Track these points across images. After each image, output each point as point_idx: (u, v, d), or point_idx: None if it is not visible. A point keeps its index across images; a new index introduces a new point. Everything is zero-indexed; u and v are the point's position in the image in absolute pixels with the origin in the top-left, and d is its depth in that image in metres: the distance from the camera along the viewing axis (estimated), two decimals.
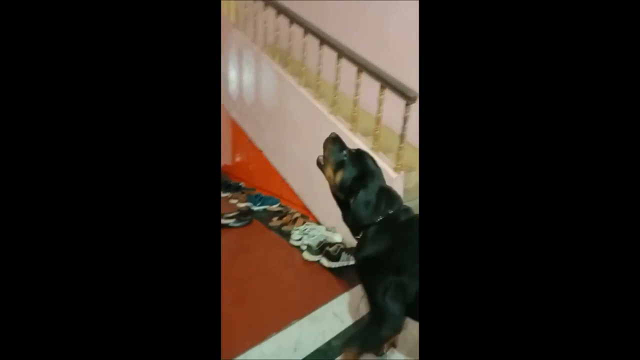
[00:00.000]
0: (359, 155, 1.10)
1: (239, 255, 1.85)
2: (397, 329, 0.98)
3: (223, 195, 2.69)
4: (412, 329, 1.17)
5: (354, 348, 1.04)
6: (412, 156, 2.03)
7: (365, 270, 1.03)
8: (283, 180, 2.47)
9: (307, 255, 1.79)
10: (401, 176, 1.75)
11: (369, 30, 2.43)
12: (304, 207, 2.30)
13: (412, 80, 1.65)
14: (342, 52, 1.90)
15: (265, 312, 1.36)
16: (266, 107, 2.51)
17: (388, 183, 1.11)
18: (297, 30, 2.13)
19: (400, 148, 1.73)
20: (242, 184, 2.85)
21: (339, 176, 1.06)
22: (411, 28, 2.14)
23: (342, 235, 1.91)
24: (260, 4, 2.38)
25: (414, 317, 0.96)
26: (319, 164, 1.14)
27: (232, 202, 2.55)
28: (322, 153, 1.14)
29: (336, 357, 1.12)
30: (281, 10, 2.22)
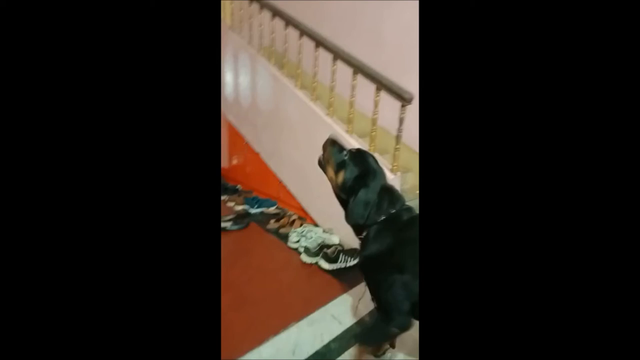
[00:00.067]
0: (360, 155, 1.09)
1: (236, 258, 1.84)
2: (404, 327, 0.97)
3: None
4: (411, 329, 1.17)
5: (362, 345, 1.04)
6: (408, 157, 2.04)
7: (369, 269, 1.03)
8: (280, 183, 2.46)
9: (305, 258, 1.79)
10: (398, 177, 1.75)
11: (365, 32, 2.44)
12: (302, 209, 2.30)
13: (407, 82, 1.66)
14: (338, 54, 1.90)
15: (264, 314, 1.36)
16: (262, 109, 2.51)
17: None
18: (293, 33, 2.13)
19: (396, 149, 1.73)
20: (239, 186, 2.84)
21: (341, 176, 1.05)
22: (406, 30, 2.15)
23: (339, 236, 1.91)
24: (256, 6, 2.38)
25: (417, 318, 0.95)
26: (320, 164, 1.14)
27: (229, 205, 2.53)
28: (319, 155, 1.14)
29: (335, 359, 1.12)
30: (276, 13, 2.22)
